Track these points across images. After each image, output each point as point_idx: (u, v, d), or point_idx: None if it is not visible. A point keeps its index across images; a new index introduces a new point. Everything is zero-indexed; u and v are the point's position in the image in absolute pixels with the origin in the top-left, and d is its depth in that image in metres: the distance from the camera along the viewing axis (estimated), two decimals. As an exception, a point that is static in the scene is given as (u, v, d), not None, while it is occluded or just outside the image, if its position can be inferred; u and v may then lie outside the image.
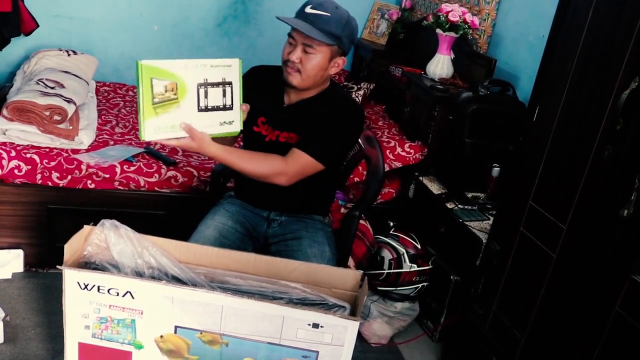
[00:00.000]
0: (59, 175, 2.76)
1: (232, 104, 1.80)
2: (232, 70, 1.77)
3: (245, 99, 1.94)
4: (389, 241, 2.87)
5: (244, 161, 1.89)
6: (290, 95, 2.02)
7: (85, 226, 1.73)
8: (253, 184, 2.09)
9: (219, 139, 1.87)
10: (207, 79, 1.73)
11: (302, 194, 2.11)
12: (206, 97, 1.74)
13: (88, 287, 1.59)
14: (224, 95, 1.77)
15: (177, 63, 1.68)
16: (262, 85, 2.06)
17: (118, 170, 2.82)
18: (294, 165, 1.93)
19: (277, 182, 1.93)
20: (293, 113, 2.02)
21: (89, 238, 1.73)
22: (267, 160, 1.92)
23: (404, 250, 2.82)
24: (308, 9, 1.89)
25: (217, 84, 1.75)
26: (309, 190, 2.11)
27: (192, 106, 1.73)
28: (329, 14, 1.87)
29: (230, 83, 1.77)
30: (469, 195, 3.00)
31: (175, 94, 1.68)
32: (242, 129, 1.84)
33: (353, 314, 1.69)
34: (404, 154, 3.22)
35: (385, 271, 2.81)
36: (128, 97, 3.91)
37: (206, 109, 1.75)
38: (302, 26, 1.86)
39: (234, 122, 1.82)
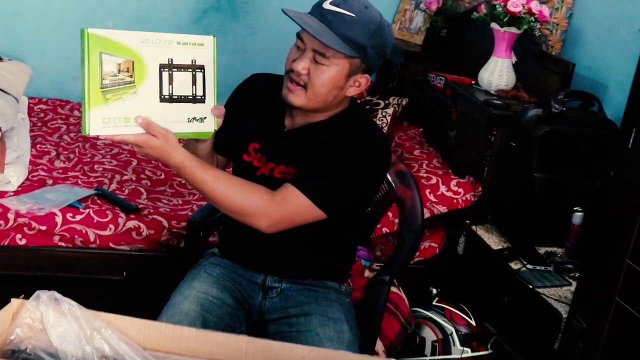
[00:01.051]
0: (-23, 228, 2.77)
1: (204, 94, 1.79)
2: (204, 50, 1.78)
3: (237, 116, 1.94)
4: (432, 316, 2.84)
5: (217, 183, 1.86)
6: (294, 117, 2.03)
7: (13, 300, 1.73)
8: (243, 237, 2.08)
9: (189, 146, 1.88)
10: (172, 60, 1.74)
11: (310, 251, 2.10)
12: (171, 83, 1.75)
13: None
14: (194, 82, 1.78)
15: (135, 35, 1.69)
16: (260, 100, 2.08)
17: (59, 220, 2.82)
18: (283, 205, 1.91)
19: (255, 224, 1.90)
20: (295, 141, 2.02)
21: (18, 316, 1.72)
22: (249, 191, 1.89)
23: (452, 329, 2.79)
24: (327, 4, 1.87)
25: (185, 67, 1.76)
26: (320, 245, 2.10)
27: (152, 94, 1.72)
28: (353, 15, 1.85)
29: (202, 67, 1.78)
30: (542, 250, 2.98)
31: (131, 76, 1.69)
32: (216, 129, 1.82)
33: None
34: (449, 194, 3.23)
35: (428, 358, 2.78)
36: (73, 118, 3.95)
37: (171, 99, 1.75)
38: (314, 27, 1.85)
39: (206, 119, 1.80)
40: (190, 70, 1.76)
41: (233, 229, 2.12)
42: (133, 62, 1.68)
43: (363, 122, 2.06)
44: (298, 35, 1.93)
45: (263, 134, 2.06)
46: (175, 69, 1.74)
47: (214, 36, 1.80)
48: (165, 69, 1.73)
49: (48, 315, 1.71)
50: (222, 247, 2.23)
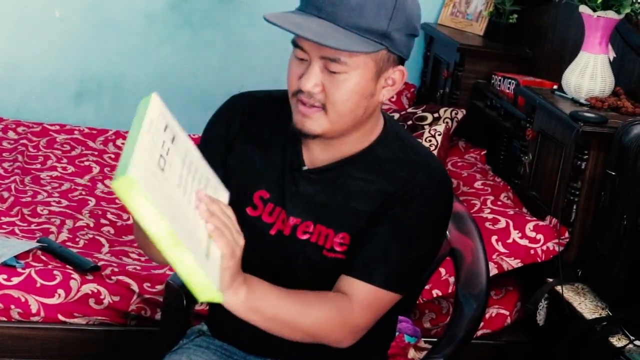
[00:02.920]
0: None
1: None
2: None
3: (229, 156, 1.98)
4: (503, 412, 2.84)
5: (290, 308, 1.85)
6: (312, 150, 2.03)
7: None
8: None
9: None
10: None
11: None
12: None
13: None
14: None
15: None
16: (256, 130, 2.05)
17: (-11, 283, 2.85)
18: (364, 310, 1.91)
19: (337, 341, 1.92)
20: (322, 184, 2.01)
21: None
22: (319, 301, 1.89)
23: None
24: None
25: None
26: None
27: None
28: None
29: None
30: (655, 320, 2.98)
31: None
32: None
33: None
34: (525, 242, 3.23)
35: None
36: (7, 141, 3.99)
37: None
38: (312, 28, 1.80)
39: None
40: None
41: None
42: None
43: (410, 146, 2.02)
44: (295, 43, 1.91)
45: (272, 178, 2.03)
46: None
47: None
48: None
49: None
50: (211, 323, 2.22)
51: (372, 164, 1.96)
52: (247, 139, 2.03)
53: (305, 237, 1.97)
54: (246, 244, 1.89)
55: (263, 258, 1.98)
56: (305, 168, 1.99)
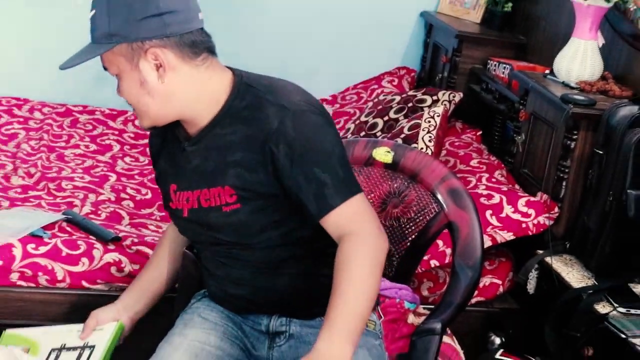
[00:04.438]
0: None
1: None
2: (102, 333, 2.28)
3: (156, 171, 2.24)
4: (495, 373, 2.86)
5: (358, 303, 1.92)
6: (187, 133, 2.12)
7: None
8: (230, 277, 2.14)
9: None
10: (65, 344, 2.29)
11: (318, 275, 2.12)
12: None
13: None
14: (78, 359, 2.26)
15: (39, 330, 2.38)
16: (161, 140, 2.23)
17: (18, 253, 2.86)
18: (354, 227, 1.97)
19: (383, 253, 1.99)
20: (202, 152, 2.08)
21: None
22: (350, 260, 1.94)
23: (522, 390, 2.80)
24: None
25: (74, 348, 2.28)
26: (301, 265, 2.13)
27: None
28: (94, 11, 2.01)
29: (92, 347, 2.27)
30: (637, 289, 2.98)
31: None
32: None
33: None
34: (517, 216, 3.24)
35: None
36: (33, 121, 4.00)
37: None
38: (76, 56, 2.05)
39: None
40: (79, 349, 2.28)
41: (213, 270, 2.19)
42: (29, 348, 2.29)
43: (262, 90, 2.05)
44: None
45: (173, 171, 2.17)
46: (65, 349, 2.29)
47: (120, 322, 2.30)
48: (55, 351, 2.29)
49: None
50: (210, 293, 2.27)
51: (231, 117, 2.03)
52: (161, 148, 2.22)
53: (206, 204, 2.06)
54: (184, 234, 2.28)
55: (197, 237, 2.20)
56: (186, 146, 2.09)
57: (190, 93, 2.01)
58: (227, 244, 2.09)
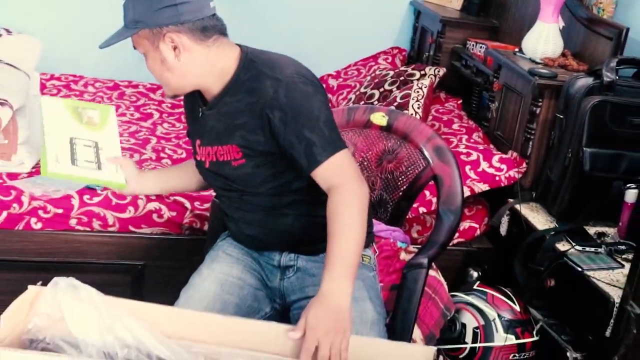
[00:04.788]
0: (-10, 211, 2.83)
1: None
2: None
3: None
4: (473, 301, 2.85)
5: (350, 244, 1.92)
6: (205, 98, 2.16)
7: (30, 287, 1.76)
8: (246, 220, 2.16)
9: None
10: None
11: (319, 216, 2.09)
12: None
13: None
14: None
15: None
16: (190, 104, 2.24)
17: (75, 202, 2.87)
18: (340, 179, 1.97)
19: (366, 197, 2.00)
20: (216, 115, 2.10)
21: (36, 304, 1.75)
22: (341, 213, 1.95)
23: (495, 315, 2.80)
24: None
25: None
26: (303, 208, 2.13)
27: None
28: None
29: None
30: (592, 231, 2.98)
31: None
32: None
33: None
34: (491, 171, 3.23)
35: (468, 345, 2.80)
36: (87, 94, 4.00)
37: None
38: (112, 35, 2.10)
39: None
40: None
41: (231, 214, 2.21)
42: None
43: (262, 64, 2.06)
44: None
45: (197, 128, 2.18)
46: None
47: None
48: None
49: (66, 304, 1.74)
50: (231, 234, 2.29)
51: (237, 87, 2.05)
52: (188, 115, 2.28)
53: (222, 158, 2.10)
54: (207, 181, 2.27)
55: (217, 185, 2.21)
56: (204, 110, 2.14)
57: (203, 68, 2.04)
58: (239, 191, 2.13)
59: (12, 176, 2.91)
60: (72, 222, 2.88)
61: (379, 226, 2.50)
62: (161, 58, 2.02)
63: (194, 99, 2.16)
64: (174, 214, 2.93)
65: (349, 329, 1.81)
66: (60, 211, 2.85)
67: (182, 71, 2.04)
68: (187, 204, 2.94)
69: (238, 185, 2.11)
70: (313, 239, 2.15)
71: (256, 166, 2.05)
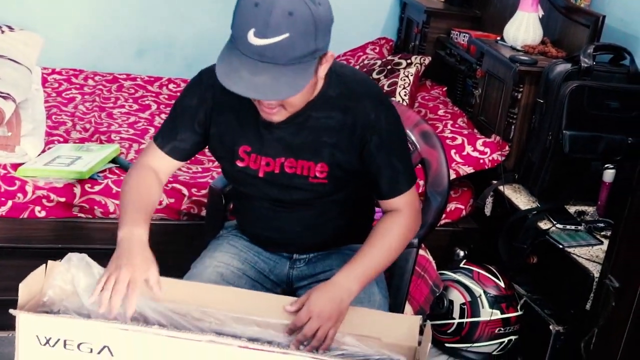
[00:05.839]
0: (-4, 201, 2.83)
1: None
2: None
3: (211, 120, 1.96)
4: (459, 278, 2.87)
5: (386, 258, 1.95)
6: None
7: (49, 262, 1.79)
8: (260, 221, 2.09)
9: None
10: None
11: (332, 225, 2.12)
12: None
13: (51, 342, 1.63)
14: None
15: None
16: (227, 97, 1.85)
17: (77, 191, 2.87)
18: (408, 209, 1.99)
19: (416, 231, 2.04)
20: (294, 128, 1.91)
21: (50, 278, 1.77)
22: (391, 235, 1.96)
23: (480, 291, 2.81)
24: (252, 38, 1.66)
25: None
26: (342, 218, 2.12)
27: None
28: (287, 34, 1.64)
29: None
30: (572, 210, 3.00)
31: None
32: None
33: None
34: (476, 154, 3.24)
35: (456, 321, 2.81)
36: (87, 87, 3.99)
37: None
38: (260, 86, 1.68)
39: None
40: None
41: (246, 213, 2.15)
42: None
43: (350, 80, 1.92)
44: None
45: (251, 134, 1.96)
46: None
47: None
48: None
49: (79, 278, 1.77)
50: (240, 228, 2.24)
51: (327, 103, 1.89)
52: (223, 108, 1.96)
53: (291, 171, 1.95)
54: (242, 185, 2.02)
55: (260, 192, 2.01)
56: (276, 124, 1.91)
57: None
58: (287, 203, 2.02)
59: (16, 167, 2.91)
60: (75, 210, 2.88)
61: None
62: (313, 84, 1.80)
63: (243, 102, 1.83)
64: (172, 200, 2.93)
65: (340, 322, 1.82)
66: (63, 200, 2.85)
67: (312, 88, 1.84)
68: (185, 191, 2.94)
69: (294, 197, 2.00)
70: (333, 241, 2.16)
71: (335, 185, 1.97)
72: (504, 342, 2.80)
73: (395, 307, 2.23)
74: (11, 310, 1.63)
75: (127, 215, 1.91)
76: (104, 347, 1.63)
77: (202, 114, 1.97)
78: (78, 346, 1.64)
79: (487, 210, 3.22)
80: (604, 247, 2.68)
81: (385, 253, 1.95)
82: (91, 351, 1.63)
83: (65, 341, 1.63)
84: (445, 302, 2.83)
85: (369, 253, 1.93)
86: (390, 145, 1.94)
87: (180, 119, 2.00)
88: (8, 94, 2.99)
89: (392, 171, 1.95)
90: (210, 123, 1.99)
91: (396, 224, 1.97)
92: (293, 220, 2.06)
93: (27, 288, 1.72)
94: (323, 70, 1.80)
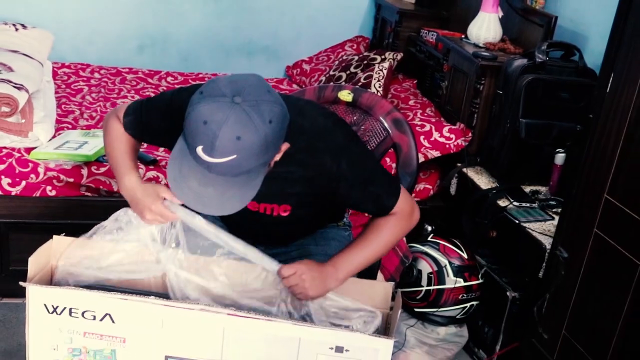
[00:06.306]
0: (10, 182, 2.80)
1: None
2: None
3: (162, 143, 2.02)
4: (427, 250, 2.88)
5: (372, 256, 1.88)
6: None
7: (55, 237, 1.79)
8: (249, 229, 1.94)
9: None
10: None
11: (301, 234, 2.10)
12: None
13: (57, 310, 1.64)
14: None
15: None
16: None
17: (84, 172, 2.86)
18: (399, 212, 1.89)
19: (413, 226, 1.94)
20: (276, 181, 1.79)
21: (59, 252, 1.79)
22: (384, 232, 1.88)
23: (446, 262, 2.83)
24: (201, 152, 1.52)
25: None
26: (310, 228, 2.11)
27: None
28: (234, 156, 1.51)
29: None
30: (527, 189, 3.01)
31: None
32: None
33: (385, 333, 1.71)
34: (442, 140, 3.24)
35: (424, 288, 2.83)
36: (93, 80, 3.96)
37: None
38: (203, 198, 1.58)
39: None
40: None
41: (229, 219, 1.91)
42: None
43: (309, 132, 1.77)
44: None
45: None
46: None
47: None
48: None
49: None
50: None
51: (286, 158, 1.70)
52: None
53: (254, 209, 1.89)
54: (235, 219, 1.77)
55: (246, 221, 1.90)
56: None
57: None
58: (257, 226, 1.95)
59: (29, 151, 2.90)
60: (82, 189, 2.87)
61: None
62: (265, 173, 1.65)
63: None
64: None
65: (320, 295, 1.77)
66: (71, 180, 2.84)
67: None
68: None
69: (256, 227, 1.94)
70: (308, 230, 2.12)
71: (299, 218, 1.92)
72: (466, 307, 2.82)
73: (370, 276, 2.23)
74: (21, 283, 1.64)
75: (120, 166, 1.90)
76: (106, 314, 1.64)
77: (169, 138, 1.73)
78: (82, 314, 1.64)
79: (452, 190, 3.23)
80: (555, 222, 2.70)
81: (377, 249, 1.89)
82: (94, 318, 1.64)
83: (70, 309, 1.64)
84: (415, 271, 2.85)
85: (362, 246, 1.87)
86: (361, 182, 1.82)
87: (147, 131, 1.90)
88: (22, 85, 2.98)
89: (373, 197, 1.86)
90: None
91: (389, 224, 1.89)
92: (265, 227, 1.96)
93: (36, 261, 1.72)
94: (278, 156, 1.67)
